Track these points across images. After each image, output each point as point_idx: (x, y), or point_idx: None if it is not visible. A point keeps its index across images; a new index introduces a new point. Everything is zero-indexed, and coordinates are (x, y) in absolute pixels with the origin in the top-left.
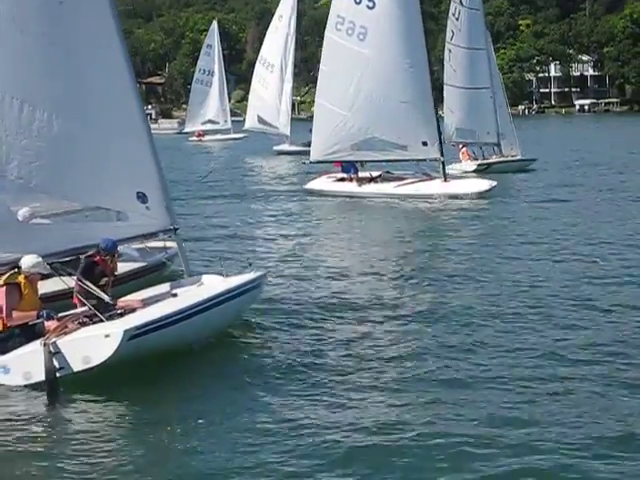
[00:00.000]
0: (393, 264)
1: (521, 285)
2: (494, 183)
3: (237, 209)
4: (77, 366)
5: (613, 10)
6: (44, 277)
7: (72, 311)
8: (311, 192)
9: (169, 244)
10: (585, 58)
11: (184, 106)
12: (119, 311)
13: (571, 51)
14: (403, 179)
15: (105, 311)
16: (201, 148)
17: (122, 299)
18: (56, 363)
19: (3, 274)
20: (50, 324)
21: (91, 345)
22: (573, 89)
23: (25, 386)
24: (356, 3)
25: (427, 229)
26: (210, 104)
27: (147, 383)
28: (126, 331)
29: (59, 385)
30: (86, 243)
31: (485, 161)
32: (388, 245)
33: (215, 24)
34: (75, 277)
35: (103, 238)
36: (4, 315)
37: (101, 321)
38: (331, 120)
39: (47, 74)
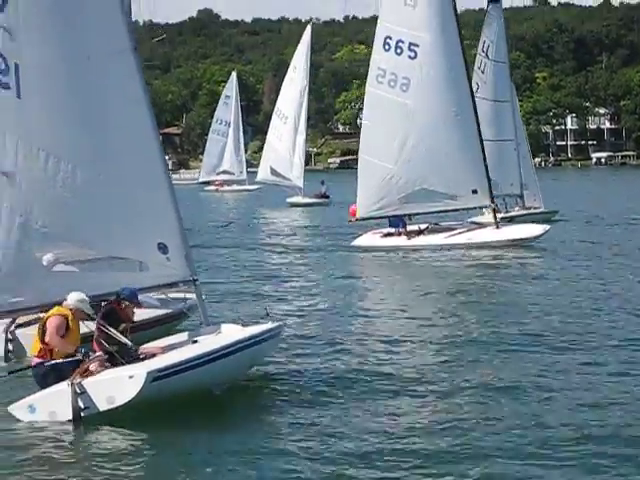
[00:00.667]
0: (447, 319)
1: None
2: (547, 227)
3: (263, 260)
4: (102, 406)
5: (630, 63)
6: None
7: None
8: (359, 249)
9: (189, 295)
10: (602, 111)
11: (200, 157)
12: (140, 356)
13: (588, 104)
14: (453, 229)
15: (126, 356)
16: (215, 199)
17: (143, 346)
18: (81, 403)
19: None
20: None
21: (116, 386)
22: (590, 142)
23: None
24: (397, 54)
25: (477, 281)
26: (226, 155)
27: (168, 426)
28: (149, 373)
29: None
30: (108, 291)
31: (507, 214)
32: (441, 299)
33: (234, 75)
34: (96, 323)
35: (123, 287)
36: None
37: (122, 364)
38: (377, 175)
39: (72, 127)
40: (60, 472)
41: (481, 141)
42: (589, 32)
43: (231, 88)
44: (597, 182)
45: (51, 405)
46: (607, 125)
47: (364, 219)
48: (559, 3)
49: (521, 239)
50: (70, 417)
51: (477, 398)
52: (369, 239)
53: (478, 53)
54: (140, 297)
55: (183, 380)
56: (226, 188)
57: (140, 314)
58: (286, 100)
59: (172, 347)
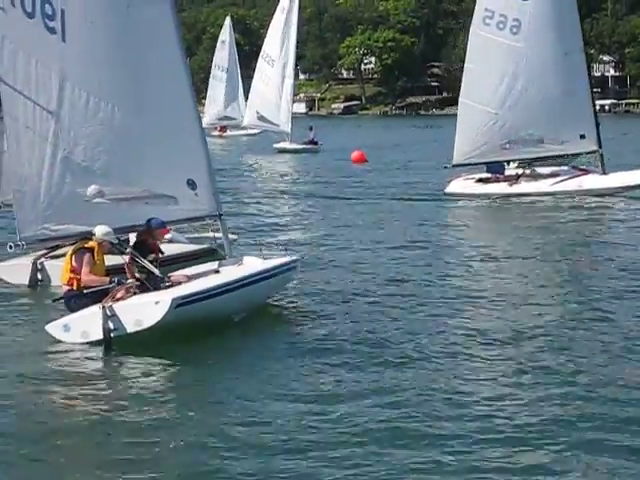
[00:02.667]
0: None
1: None
2: None
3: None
4: (130, 328)
5: (636, 10)
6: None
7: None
8: (453, 195)
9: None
10: (606, 58)
11: (204, 101)
12: (167, 284)
13: (592, 51)
14: (556, 175)
15: (154, 283)
16: (217, 144)
17: (170, 274)
18: (111, 325)
19: (74, 243)
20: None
21: (143, 310)
22: (594, 89)
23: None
24: None
25: (591, 235)
26: (227, 100)
27: (192, 348)
28: (174, 299)
29: (113, 344)
30: (140, 222)
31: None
32: (556, 251)
33: (228, 19)
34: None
35: (152, 218)
36: (79, 276)
37: (151, 291)
38: (479, 120)
39: (111, 70)
40: (87, 386)
41: (590, 83)
42: None
43: (226, 32)
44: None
45: (84, 325)
46: (611, 73)
47: (462, 165)
48: None
49: (634, 186)
50: (100, 337)
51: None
52: (463, 185)
53: None
54: (172, 234)
55: (205, 307)
56: (229, 133)
57: (172, 249)
58: (273, 42)
59: (197, 276)
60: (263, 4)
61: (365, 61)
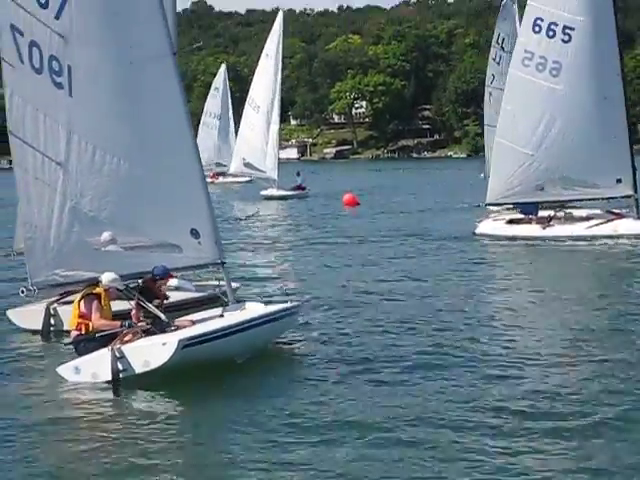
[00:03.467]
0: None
1: None
2: None
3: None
4: (138, 369)
5: (623, 50)
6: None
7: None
8: (483, 236)
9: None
10: None
11: None
12: (173, 328)
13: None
14: (590, 218)
15: (160, 327)
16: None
17: (175, 319)
18: (120, 366)
19: (83, 289)
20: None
21: (150, 351)
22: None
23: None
24: (548, 37)
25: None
26: (218, 146)
27: (197, 388)
28: (180, 340)
29: (121, 384)
30: (145, 269)
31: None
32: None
33: (223, 67)
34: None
35: (157, 266)
36: (87, 321)
37: (156, 334)
38: (514, 160)
39: (116, 123)
40: (98, 426)
41: (629, 127)
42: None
43: (220, 80)
44: None
45: (93, 367)
46: None
47: (495, 204)
48: None
49: None
50: (109, 378)
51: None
52: (493, 226)
53: (493, 45)
54: (178, 282)
55: (210, 348)
56: (220, 180)
57: (178, 296)
58: (258, 89)
59: (201, 321)
60: (252, 51)
61: (356, 105)
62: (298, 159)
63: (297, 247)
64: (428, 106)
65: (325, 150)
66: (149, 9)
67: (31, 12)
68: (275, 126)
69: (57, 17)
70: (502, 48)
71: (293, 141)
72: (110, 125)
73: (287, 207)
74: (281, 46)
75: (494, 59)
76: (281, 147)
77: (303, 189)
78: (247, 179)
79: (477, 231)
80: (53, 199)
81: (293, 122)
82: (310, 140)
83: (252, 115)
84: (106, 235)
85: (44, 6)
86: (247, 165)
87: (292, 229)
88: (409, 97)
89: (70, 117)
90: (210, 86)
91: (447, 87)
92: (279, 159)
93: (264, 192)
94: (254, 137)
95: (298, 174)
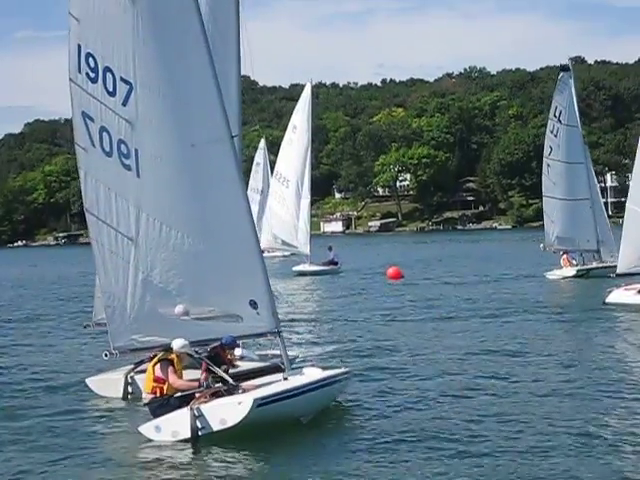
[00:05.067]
0: None
1: None
2: None
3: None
4: (215, 427)
5: None
6: None
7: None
8: (614, 305)
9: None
10: None
11: None
12: (240, 390)
13: (627, 161)
14: None
15: (228, 390)
16: None
17: (240, 384)
18: (199, 424)
19: (156, 355)
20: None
21: (227, 410)
22: None
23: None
24: None
25: None
26: (259, 220)
27: (266, 444)
28: (255, 399)
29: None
30: (210, 337)
31: (584, 267)
32: None
33: (263, 142)
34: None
35: (225, 335)
36: (162, 384)
37: (224, 396)
38: None
39: (180, 202)
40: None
41: None
42: (626, 89)
43: (260, 155)
44: None
45: (174, 426)
46: None
47: (627, 275)
48: (595, 61)
49: None
50: (189, 436)
51: None
52: (625, 296)
53: (550, 118)
54: (242, 352)
55: (281, 407)
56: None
57: (242, 366)
58: (286, 162)
59: (266, 384)
60: None
61: (400, 178)
62: (343, 232)
63: (346, 320)
64: (472, 178)
65: (370, 223)
66: (209, 97)
67: (101, 100)
68: (306, 200)
69: (124, 104)
70: (559, 121)
71: (338, 214)
72: (174, 203)
73: (327, 282)
74: (310, 118)
75: (551, 131)
76: (326, 220)
77: (336, 264)
78: (284, 254)
79: (607, 300)
80: (127, 271)
81: (337, 195)
82: (355, 213)
83: (281, 189)
84: (180, 308)
85: (112, 94)
86: (278, 240)
87: (337, 303)
88: (453, 169)
89: (138, 196)
90: (254, 160)
91: (491, 158)
92: (324, 232)
93: (296, 268)
94: (285, 212)
95: (330, 249)
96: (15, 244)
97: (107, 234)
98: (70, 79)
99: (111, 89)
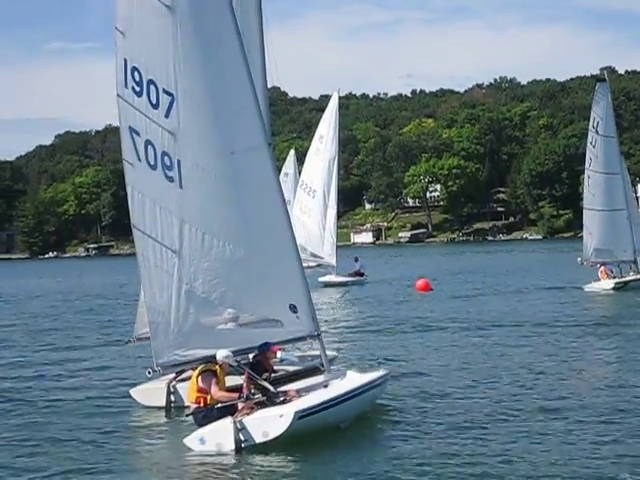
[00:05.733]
0: None
1: None
2: None
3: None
4: (258, 439)
5: None
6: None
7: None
8: None
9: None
10: None
11: None
12: (281, 399)
13: None
14: None
15: (268, 399)
16: None
17: (281, 389)
18: (242, 437)
19: (198, 366)
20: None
21: (269, 422)
22: None
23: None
24: None
25: None
26: None
27: (309, 452)
28: (296, 412)
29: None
30: (253, 345)
31: (622, 279)
32: None
33: (292, 152)
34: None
35: (264, 342)
36: (205, 395)
37: (267, 406)
38: None
39: (221, 210)
40: None
41: None
42: None
43: (290, 166)
44: None
45: (218, 437)
46: None
47: None
48: (626, 71)
49: None
50: (233, 448)
51: None
52: None
53: (590, 129)
54: (283, 354)
55: (321, 418)
56: None
57: (284, 368)
58: (313, 172)
59: (306, 390)
60: None
61: (430, 189)
62: (373, 243)
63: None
64: (503, 188)
65: (400, 234)
66: (247, 104)
67: (145, 113)
68: (332, 210)
69: (166, 116)
70: (597, 132)
71: (368, 225)
72: (215, 211)
73: (357, 292)
74: (337, 128)
75: (591, 143)
76: (356, 231)
77: (362, 275)
78: (309, 264)
79: None
80: (171, 284)
81: (368, 206)
82: (385, 224)
83: (306, 200)
84: (228, 314)
85: (155, 107)
86: (304, 251)
87: (374, 314)
88: (483, 180)
89: (181, 207)
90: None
91: (521, 169)
92: (354, 243)
93: (322, 279)
94: (311, 222)
95: (356, 260)
96: (46, 255)
97: (152, 248)
98: (118, 95)
99: (154, 101)
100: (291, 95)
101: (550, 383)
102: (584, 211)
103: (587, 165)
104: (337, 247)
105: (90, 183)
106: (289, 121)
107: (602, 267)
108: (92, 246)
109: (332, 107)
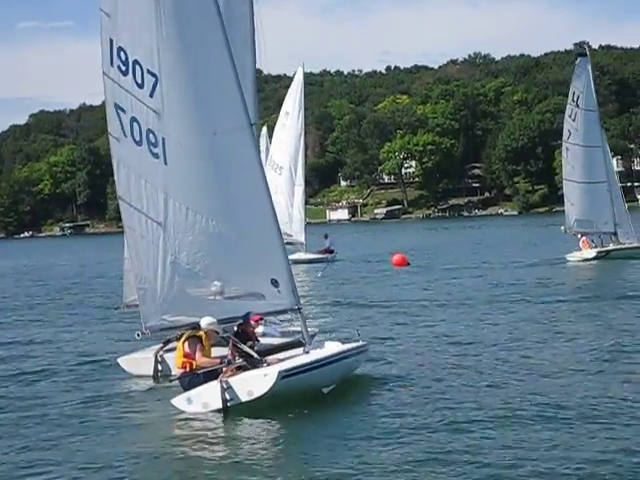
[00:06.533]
0: None
1: None
2: None
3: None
4: (243, 398)
5: None
6: None
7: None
8: None
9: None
10: None
11: None
12: (264, 364)
13: (632, 146)
14: None
15: (252, 365)
16: None
17: (266, 358)
18: (228, 396)
19: (184, 332)
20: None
21: (254, 382)
22: (635, 183)
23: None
24: None
25: None
26: None
27: (292, 414)
28: (280, 371)
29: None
30: (235, 315)
31: (604, 248)
32: None
33: (265, 130)
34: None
35: (246, 312)
36: (191, 360)
37: (249, 370)
38: None
39: (204, 187)
40: (209, 449)
41: None
42: (631, 74)
43: (262, 142)
44: None
45: (204, 397)
46: None
47: None
48: (600, 46)
49: None
50: (219, 407)
51: None
52: None
53: (569, 103)
54: (264, 329)
55: (304, 379)
56: None
57: (268, 341)
58: (279, 149)
59: (288, 358)
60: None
61: (406, 165)
62: (349, 220)
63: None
64: (478, 164)
65: (376, 210)
66: (229, 85)
67: (131, 92)
68: (300, 187)
69: (151, 95)
70: (577, 105)
71: (343, 202)
72: (198, 188)
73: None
74: (302, 103)
75: (570, 116)
76: (332, 208)
77: (331, 252)
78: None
79: None
80: (156, 255)
81: (343, 183)
82: (360, 201)
83: (274, 177)
84: (216, 287)
85: (141, 86)
86: None
87: (350, 289)
88: (458, 156)
89: (165, 182)
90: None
91: (496, 145)
92: (330, 220)
93: (291, 256)
94: (278, 199)
95: (326, 237)
96: (22, 235)
97: (138, 220)
98: (103, 72)
99: (140, 81)
100: (265, 72)
101: (537, 357)
102: (564, 182)
103: (565, 137)
104: (311, 224)
105: (65, 162)
106: (263, 99)
107: (583, 237)
108: (67, 225)
109: (297, 82)
